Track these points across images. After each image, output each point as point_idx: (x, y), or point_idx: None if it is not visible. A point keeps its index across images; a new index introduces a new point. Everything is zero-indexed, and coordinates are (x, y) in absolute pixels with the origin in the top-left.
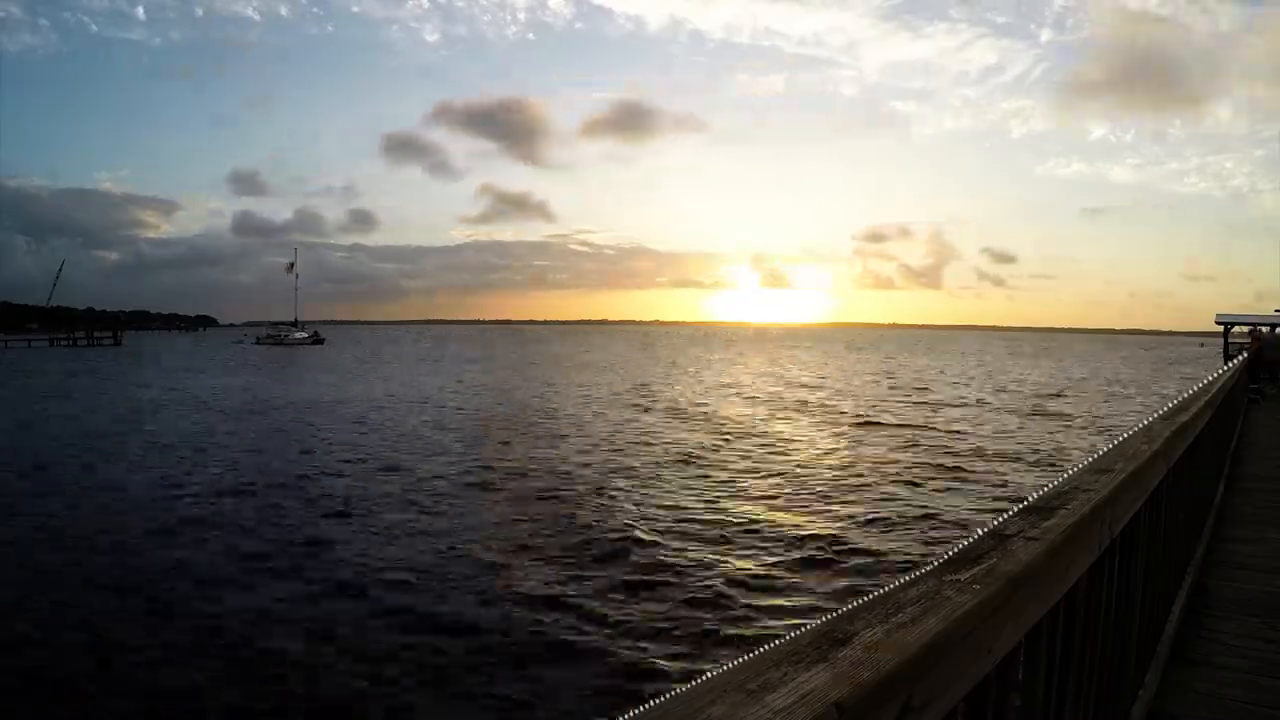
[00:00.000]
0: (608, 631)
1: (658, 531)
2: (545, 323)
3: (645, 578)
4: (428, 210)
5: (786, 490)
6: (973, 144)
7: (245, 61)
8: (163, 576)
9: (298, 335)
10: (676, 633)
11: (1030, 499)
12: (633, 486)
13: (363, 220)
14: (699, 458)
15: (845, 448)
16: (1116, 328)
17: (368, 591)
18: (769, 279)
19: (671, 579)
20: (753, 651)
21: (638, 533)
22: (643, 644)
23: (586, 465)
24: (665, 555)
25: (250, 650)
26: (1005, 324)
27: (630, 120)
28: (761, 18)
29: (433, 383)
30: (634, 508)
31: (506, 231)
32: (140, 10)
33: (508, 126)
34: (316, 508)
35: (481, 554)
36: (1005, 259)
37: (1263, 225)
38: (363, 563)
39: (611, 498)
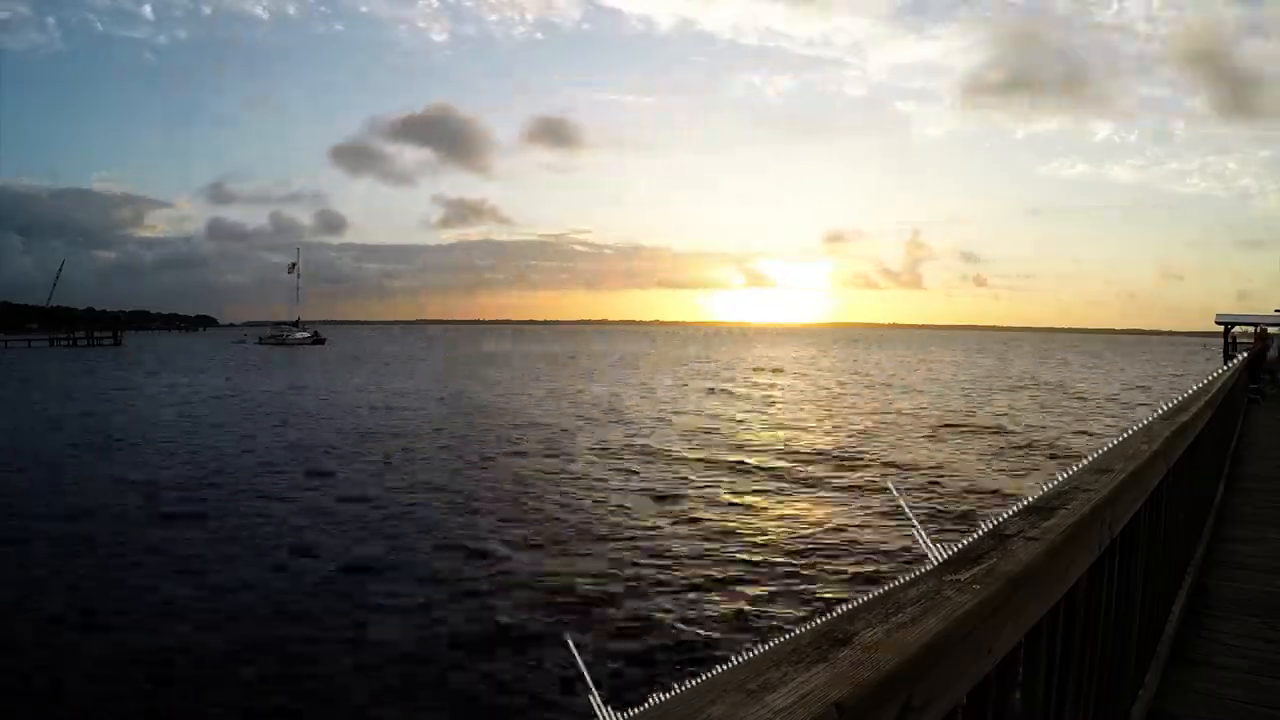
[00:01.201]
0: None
1: None
2: (545, 322)
3: None
4: (427, 209)
5: None
6: (976, 145)
7: (251, 61)
8: (167, 577)
9: (298, 335)
10: None
11: (1030, 499)
12: None
13: (365, 219)
14: None
15: None
16: (1116, 327)
17: (385, 591)
18: (770, 279)
19: None
20: (753, 651)
21: None
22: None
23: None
24: None
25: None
26: (1005, 324)
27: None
28: (765, 18)
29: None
30: None
31: (503, 231)
32: (148, 9)
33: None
34: (328, 507)
35: None
36: (1005, 258)
37: (1263, 226)
38: (375, 565)
39: None
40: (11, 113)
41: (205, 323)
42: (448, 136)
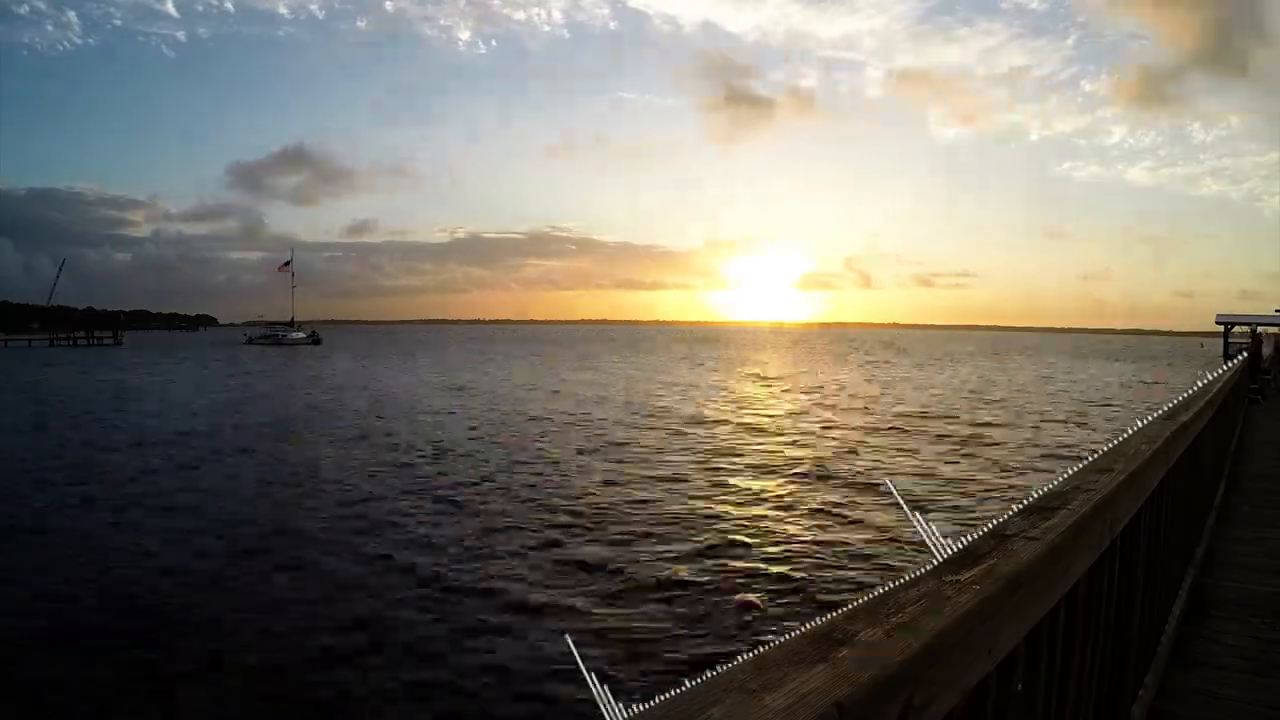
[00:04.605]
0: None
1: None
2: (546, 323)
3: None
4: (426, 206)
5: None
6: (989, 146)
7: (267, 58)
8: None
9: (295, 335)
10: None
11: (1031, 499)
12: None
13: (370, 219)
14: None
15: None
16: (1118, 327)
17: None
18: (769, 279)
19: None
20: (753, 651)
21: None
22: None
23: None
24: None
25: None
26: (1010, 324)
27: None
28: (792, 21)
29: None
30: None
31: (493, 229)
32: (169, 4)
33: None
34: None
35: None
36: (1010, 259)
37: (1274, 225)
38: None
39: None
40: (16, 113)
41: (206, 322)
42: (457, 136)
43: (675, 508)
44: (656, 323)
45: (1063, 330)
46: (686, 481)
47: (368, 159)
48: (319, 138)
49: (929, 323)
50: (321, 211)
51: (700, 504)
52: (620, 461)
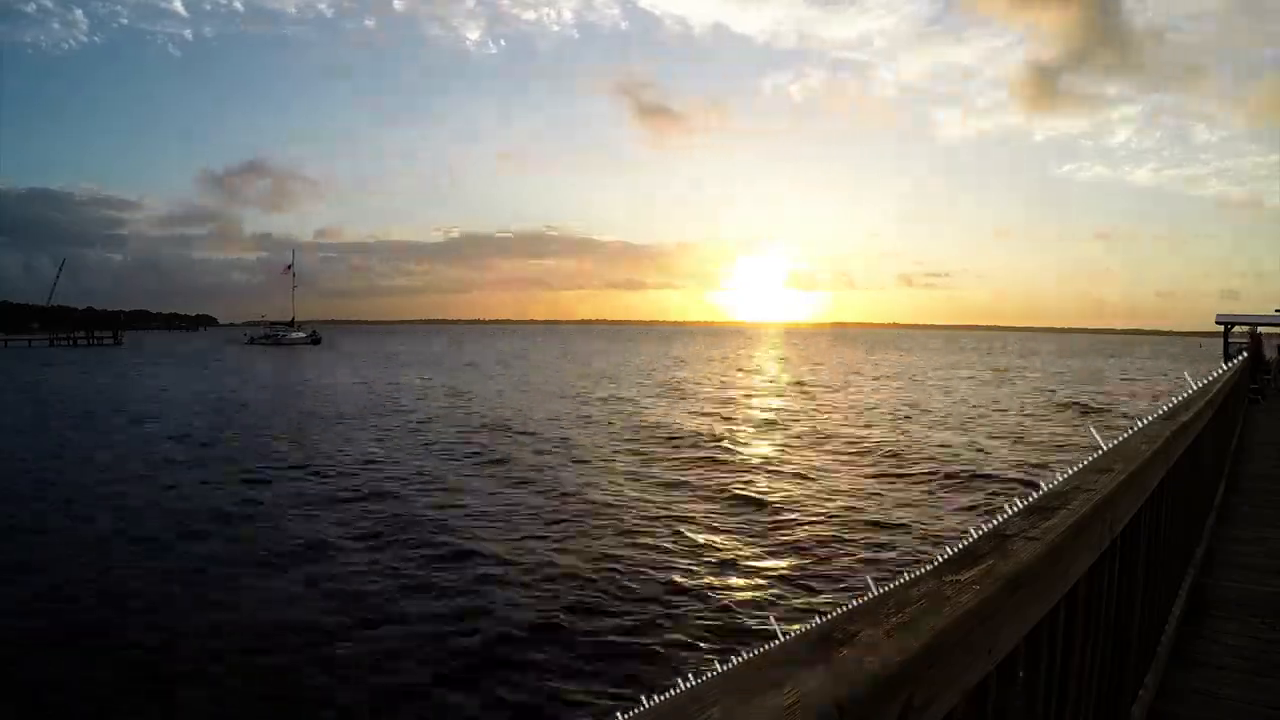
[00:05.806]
0: None
1: None
2: (546, 323)
3: None
4: (423, 203)
5: None
6: (992, 147)
7: (271, 57)
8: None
9: (295, 335)
10: None
11: (1031, 499)
12: None
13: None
14: None
15: None
16: (1117, 327)
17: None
18: (770, 280)
19: None
20: (753, 651)
21: None
22: None
23: None
24: None
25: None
26: (1010, 324)
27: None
28: (800, 23)
29: None
30: None
31: (492, 228)
32: (177, 3)
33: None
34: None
35: None
36: (1015, 260)
37: (1271, 226)
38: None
39: None
40: (19, 113)
41: (205, 322)
42: (462, 135)
43: None
44: (657, 323)
45: (1063, 330)
46: None
47: (367, 158)
48: (320, 137)
49: (929, 322)
50: (320, 211)
51: None
52: None
